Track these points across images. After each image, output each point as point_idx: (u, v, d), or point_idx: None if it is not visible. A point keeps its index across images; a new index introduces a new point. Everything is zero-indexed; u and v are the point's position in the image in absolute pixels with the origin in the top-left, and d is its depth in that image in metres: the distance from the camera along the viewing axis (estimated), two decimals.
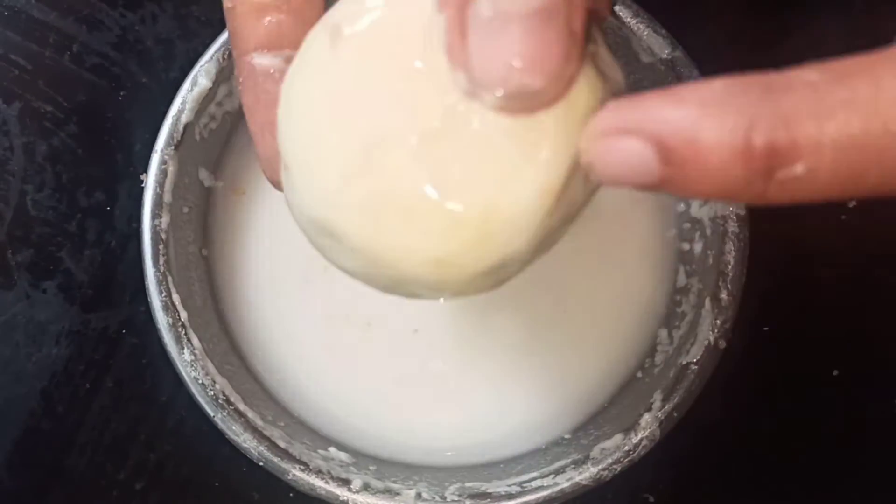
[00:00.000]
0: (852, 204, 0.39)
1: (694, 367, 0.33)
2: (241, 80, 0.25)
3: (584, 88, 0.19)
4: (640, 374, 0.36)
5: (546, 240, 0.21)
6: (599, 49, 0.20)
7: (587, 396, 0.36)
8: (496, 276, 0.21)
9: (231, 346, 0.36)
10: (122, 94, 0.40)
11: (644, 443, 0.32)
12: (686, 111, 0.17)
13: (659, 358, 0.35)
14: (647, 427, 0.32)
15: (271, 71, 0.24)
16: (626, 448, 0.32)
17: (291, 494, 0.37)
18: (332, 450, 0.34)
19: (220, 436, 0.33)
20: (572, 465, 0.32)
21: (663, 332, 0.36)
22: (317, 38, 0.21)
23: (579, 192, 0.20)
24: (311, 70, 0.21)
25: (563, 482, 0.32)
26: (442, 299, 0.23)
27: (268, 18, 0.24)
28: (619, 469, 0.32)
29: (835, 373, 0.38)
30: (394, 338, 0.36)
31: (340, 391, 0.36)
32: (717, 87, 0.17)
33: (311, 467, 0.32)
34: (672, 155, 0.17)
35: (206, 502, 0.37)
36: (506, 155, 0.19)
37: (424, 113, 0.19)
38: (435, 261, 0.20)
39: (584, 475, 0.32)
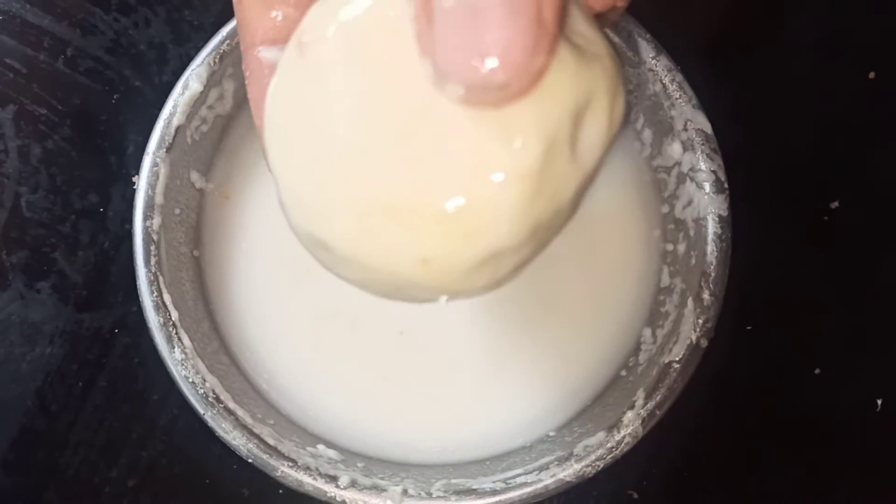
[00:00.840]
0: (834, 205, 0.40)
1: (676, 365, 0.33)
2: (247, 73, 0.25)
3: (559, 72, 0.19)
4: (624, 373, 0.36)
5: (538, 232, 0.20)
6: (580, 25, 0.20)
7: (572, 395, 0.36)
8: (491, 273, 0.21)
9: (221, 346, 0.36)
10: (115, 97, 0.41)
11: (627, 440, 0.33)
12: None
13: (643, 357, 0.36)
14: (630, 424, 0.33)
15: (277, 65, 0.24)
16: (610, 445, 0.33)
17: (281, 491, 0.37)
18: (321, 447, 0.34)
19: (210, 434, 0.33)
20: (556, 462, 0.33)
21: (647, 332, 0.36)
22: (288, 52, 0.21)
23: (565, 179, 0.20)
24: (284, 86, 0.21)
25: (547, 479, 0.32)
26: (444, 300, 0.22)
27: (274, 12, 0.24)
28: (602, 466, 0.32)
29: (817, 371, 0.39)
30: (380, 338, 0.36)
31: (328, 390, 0.36)
32: None
33: (299, 464, 0.33)
34: None
35: (197, 499, 0.38)
36: (478, 146, 0.18)
37: (394, 111, 0.19)
38: (422, 261, 0.19)
39: (568, 472, 0.32)
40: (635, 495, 0.38)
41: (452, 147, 0.19)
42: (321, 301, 0.37)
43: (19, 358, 0.39)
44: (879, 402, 0.38)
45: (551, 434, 0.35)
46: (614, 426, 0.33)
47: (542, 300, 0.37)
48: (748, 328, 0.39)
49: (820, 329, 0.39)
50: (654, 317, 0.37)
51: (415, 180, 0.19)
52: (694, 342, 0.34)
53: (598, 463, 0.33)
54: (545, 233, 0.21)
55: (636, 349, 0.36)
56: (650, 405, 0.33)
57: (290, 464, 0.32)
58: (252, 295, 0.37)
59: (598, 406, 0.36)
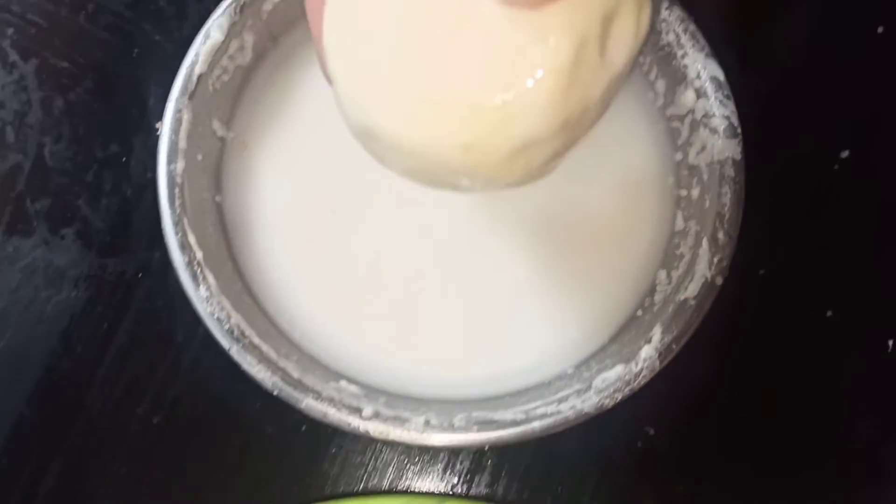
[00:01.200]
0: (845, 154, 0.41)
1: (692, 302, 0.34)
2: None
3: None
4: (640, 313, 0.37)
5: (568, 126, 0.22)
6: None
7: (589, 334, 0.37)
8: (525, 162, 0.23)
9: (244, 288, 0.37)
10: (135, 51, 0.42)
11: (644, 373, 0.33)
12: None
13: (658, 297, 0.36)
14: (647, 358, 0.33)
15: None
16: (627, 378, 0.33)
17: (304, 428, 0.38)
18: (343, 383, 0.35)
19: (234, 372, 0.33)
20: (575, 394, 0.33)
21: (662, 274, 0.37)
22: None
23: (594, 77, 0.22)
24: None
25: (567, 410, 0.33)
26: (481, 189, 0.25)
27: None
28: (620, 397, 0.33)
29: (829, 314, 0.40)
30: (400, 278, 0.37)
31: (349, 329, 0.37)
32: None
33: (323, 396, 0.33)
34: None
35: (221, 436, 0.38)
36: (516, 43, 0.21)
37: (440, 14, 0.21)
38: (463, 146, 0.22)
39: (587, 403, 0.33)
40: (652, 431, 0.38)
41: (492, 45, 0.21)
42: (341, 245, 0.37)
43: (44, 301, 0.39)
44: (891, 342, 0.39)
45: (569, 371, 0.36)
46: (631, 360, 0.34)
47: (559, 244, 0.38)
48: (761, 272, 0.40)
49: (832, 271, 0.40)
50: (668, 259, 0.37)
51: (458, 75, 0.21)
52: (709, 280, 0.34)
53: (616, 395, 0.33)
54: (575, 127, 0.23)
55: (651, 290, 0.37)
56: (667, 339, 0.34)
57: (315, 395, 0.33)
58: (273, 240, 0.38)
59: (615, 344, 0.36)
